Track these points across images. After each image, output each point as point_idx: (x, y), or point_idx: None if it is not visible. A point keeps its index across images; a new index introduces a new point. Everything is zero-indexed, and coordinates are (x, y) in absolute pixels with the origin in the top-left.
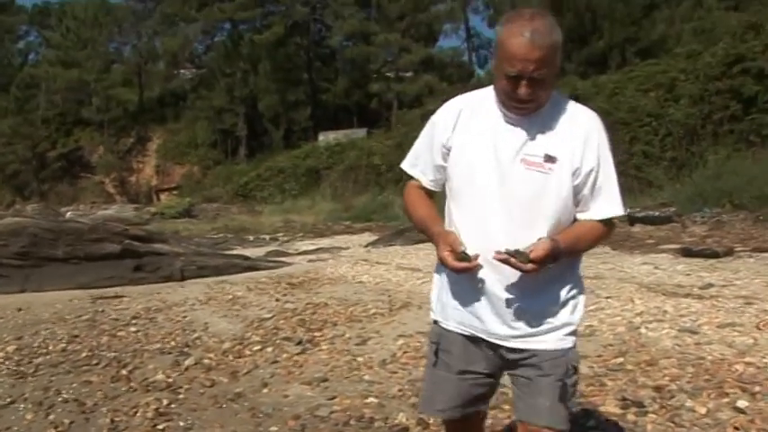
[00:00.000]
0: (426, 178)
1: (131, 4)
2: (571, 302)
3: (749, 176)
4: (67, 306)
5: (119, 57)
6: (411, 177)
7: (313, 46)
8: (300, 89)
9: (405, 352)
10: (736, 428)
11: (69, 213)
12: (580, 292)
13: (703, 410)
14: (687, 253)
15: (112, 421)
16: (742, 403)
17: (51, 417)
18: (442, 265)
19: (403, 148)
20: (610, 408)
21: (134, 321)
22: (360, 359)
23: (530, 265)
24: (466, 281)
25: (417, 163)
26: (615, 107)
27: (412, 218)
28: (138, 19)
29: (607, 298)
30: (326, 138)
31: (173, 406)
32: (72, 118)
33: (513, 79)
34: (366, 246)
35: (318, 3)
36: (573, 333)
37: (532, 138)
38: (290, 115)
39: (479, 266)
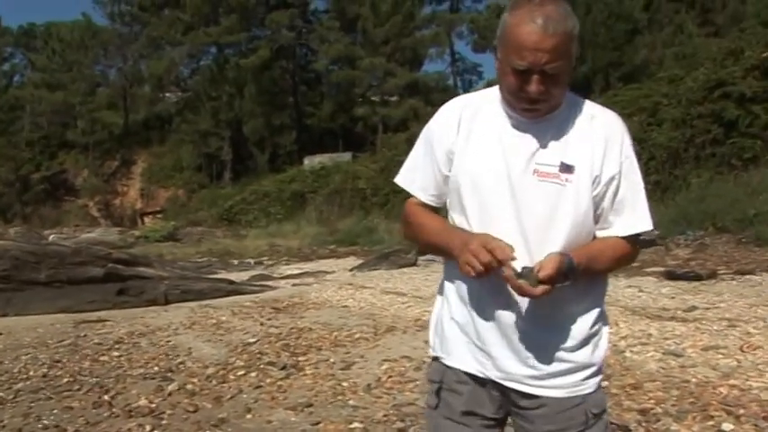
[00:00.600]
0: (427, 193)
1: (117, 26)
2: (593, 338)
3: (731, 199)
4: (49, 330)
5: (104, 79)
6: (406, 196)
7: (298, 70)
8: (286, 113)
9: (389, 376)
10: None
11: (52, 237)
12: (604, 324)
13: None
14: (671, 276)
15: None
16: (727, 426)
17: None
18: (475, 276)
19: (388, 171)
20: None
21: (117, 346)
22: (344, 384)
23: (540, 288)
24: (473, 308)
25: (415, 177)
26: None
27: (423, 236)
28: (123, 42)
29: None
30: (312, 161)
31: None
32: (56, 140)
33: (521, 74)
34: (351, 270)
35: (304, 27)
36: (596, 374)
37: (545, 144)
38: (276, 139)
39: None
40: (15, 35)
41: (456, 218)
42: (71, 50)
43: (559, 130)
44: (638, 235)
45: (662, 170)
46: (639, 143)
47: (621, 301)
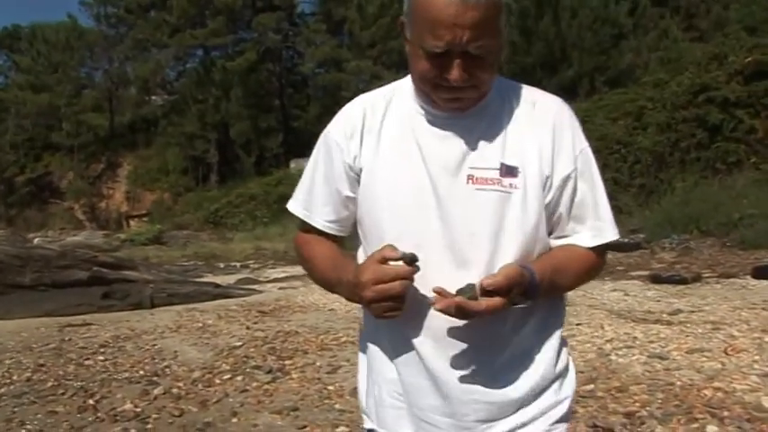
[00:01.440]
0: (324, 220)
1: (103, 28)
2: (556, 370)
3: (716, 203)
4: (34, 334)
5: (90, 82)
6: (303, 226)
7: (285, 73)
8: (272, 116)
9: None
10: None
11: (37, 239)
12: (566, 351)
13: None
14: (656, 279)
15: None
16: (711, 428)
17: None
18: (376, 314)
19: None
20: None
21: (102, 350)
22: (330, 388)
23: (486, 302)
24: (406, 358)
25: (311, 200)
26: (585, 135)
27: (316, 274)
28: (109, 44)
29: (577, 325)
30: (298, 164)
31: None
32: (41, 143)
33: (438, 58)
34: None
35: (290, 30)
36: (565, 417)
37: (478, 143)
38: (262, 142)
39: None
40: (0, 36)
41: (369, 250)
42: (56, 52)
43: (493, 124)
44: (607, 245)
45: (647, 174)
46: (625, 147)
47: (607, 305)
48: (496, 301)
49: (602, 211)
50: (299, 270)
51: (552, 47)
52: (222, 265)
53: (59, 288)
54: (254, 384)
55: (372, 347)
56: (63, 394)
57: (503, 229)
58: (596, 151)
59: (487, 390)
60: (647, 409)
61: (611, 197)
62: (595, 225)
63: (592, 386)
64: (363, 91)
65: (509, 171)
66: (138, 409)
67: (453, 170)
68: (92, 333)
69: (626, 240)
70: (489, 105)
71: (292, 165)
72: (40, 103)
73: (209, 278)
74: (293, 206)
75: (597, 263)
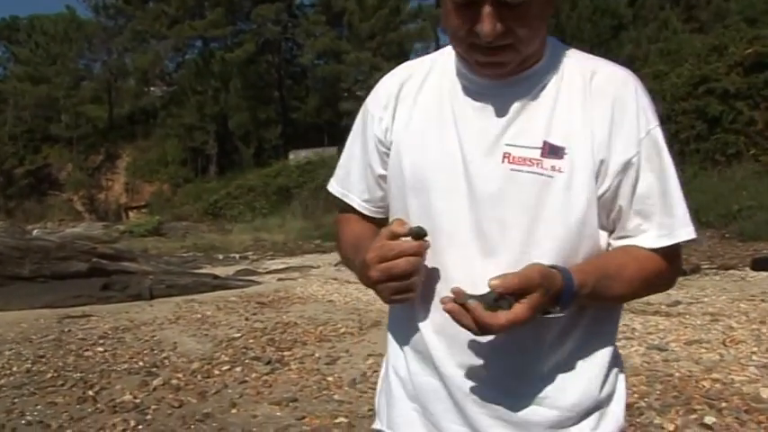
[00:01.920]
0: (360, 198)
1: (102, 20)
2: (601, 394)
3: (715, 194)
4: (33, 325)
5: (88, 73)
6: (342, 205)
7: (284, 64)
8: (271, 107)
9: (375, 371)
10: None
11: (36, 231)
12: (620, 372)
13: (672, 427)
14: None
15: None
16: (709, 419)
17: None
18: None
19: None
20: None
21: (101, 341)
22: (329, 379)
23: (503, 316)
24: (418, 354)
25: (348, 177)
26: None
27: (341, 254)
28: (108, 35)
29: None
30: (297, 156)
31: (140, 427)
32: (40, 134)
33: (467, 8)
34: (336, 264)
35: (290, 21)
36: None
37: (520, 117)
38: (261, 133)
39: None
40: None
41: None
42: (55, 43)
43: (541, 95)
44: (679, 246)
45: None
46: None
47: None
48: (519, 313)
49: (672, 206)
50: (298, 261)
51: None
52: (221, 257)
53: (59, 279)
54: (253, 375)
55: (390, 338)
56: (63, 385)
57: (539, 220)
58: None
59: (505, 406)
60: (646, 400)
61: None
62: (663, 222)
63: None
64: (362, 83)
65: (553, 151)
66: (138, 400)
67: (489, 147)
68: (91, 324)
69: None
70: (538, 73)
71: (291, 156)
72: (39, 95)
73: (208, 269)
74: (331, 185)
75: (664, 269)
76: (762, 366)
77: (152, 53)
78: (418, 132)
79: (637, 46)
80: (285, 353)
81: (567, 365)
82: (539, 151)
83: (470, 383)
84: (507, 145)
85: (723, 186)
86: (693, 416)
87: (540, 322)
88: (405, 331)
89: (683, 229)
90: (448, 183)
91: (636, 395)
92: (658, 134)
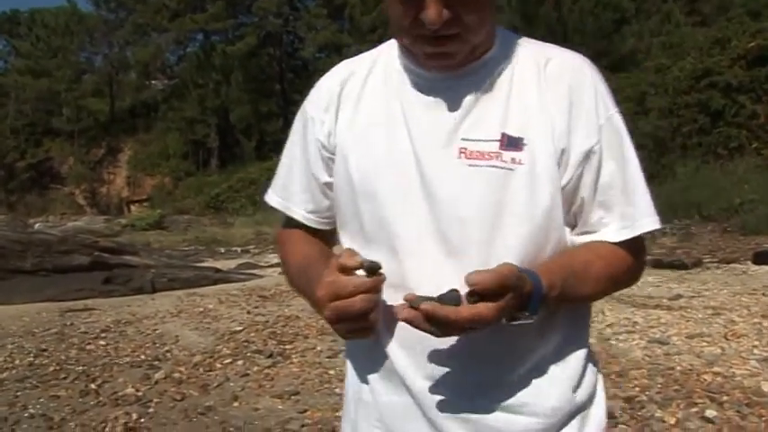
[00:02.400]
0: (303, 210)
1: (103, 13)
2: (576, 398)
3: (717, 188)
4: (35, 319)
5: (90, 66)
6: (285, 219)
7: (285, 57)
8: (273, 100)
9: None
10: None
11: (38, 225)
12: (596, 373)
13: (673, 420)
14: (657, 264)
15: None
16: (710, 413)
17: None
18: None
19: None
20: None
21: (103, 334)
22: (331, 372)
23: (468, 309)
24: (382, 372)
25: (289, 187)
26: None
27: (288, 278)
28: (109, 28)
29: None
30: None
31: (142, 420)
32: (42, 128)
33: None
34: None
35: (291, 14)
36: None
37: (472, 108)
38: (263, 126)
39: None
40: None
41: (348, 245)
42: (56, 37)
43: (495, 86)
44: (642, 238)
45: (648, 159)
46: None
47: None
48: (482, 308)
49: (634, 195)
50: None
51: (554, 31)
52: (223, 250)
53: (61, 273)
54: (255, 369)
55: (349, 361)
56: (65, 378)
57: (502, 216)
58: None
59: (482, 419)
60: (647, 393)
61: None
62: (625, 213)
63: None
64: None
65: (512, 143)
66: (140, 393)
67: (443, 142)
68: (93, 318)
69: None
70: (489, 63)
71: None
72: (40, 88)
73: (209, 263)
74: (270, 196)
75: (630, 263)
76: (763, 360)
77: (153, 46)
78: (365, 133)
79: (639, 39)
80: (287, 346)
81: (543, 370)
82: (497, 144)
83: (442, 397)
84: (463, 140)
85: (725, 180)
86: (694, 409)
87: (511, 328)
88: (365, 350)
89: (646, 219)
90: (401, 185)
91: (637, 388)
92: (618, 120)
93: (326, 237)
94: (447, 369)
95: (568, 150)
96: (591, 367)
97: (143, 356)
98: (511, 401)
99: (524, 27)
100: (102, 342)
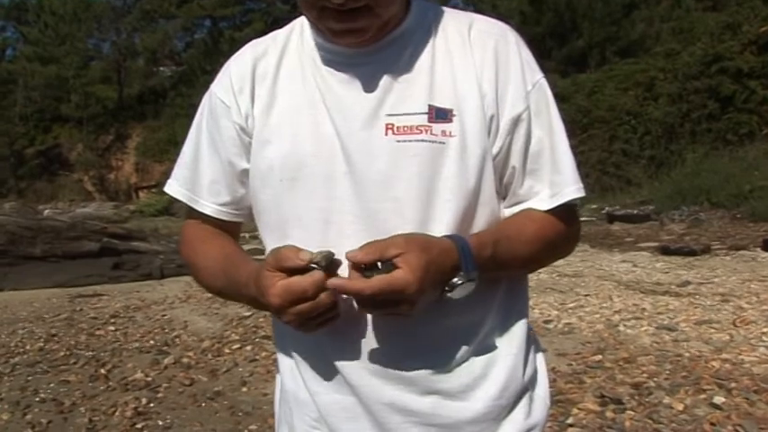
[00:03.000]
0: (214, 203)
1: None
2: (524, 377)
3: (726, 174)
4: (45, 305)
5: (98, 53)
6: (190, 213)
7: None
8: None
9: None
10: (713, 424)
11: (47, 211)
12: (536, 351)
13: (681, 407)
14: (665, 251)
15: (90, 421)
16: (718, 399)
17: (28, 417)
18: (287, 320)
19: None
20: (588, 405)
21: (113, 320)
22: None
23: (375, 280)
24: (315, 367)
25: (196, 178)
26: (595, 105)
27: (205, 280)
28: (117, 15)
29: (586, 296)
30: None
31: (151, 405)
32: (50, 115)
33: None
34: None
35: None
36: None
37: (395, 82)
38: None
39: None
40: (6, 8)
41: (269, 239)
42: (64, 24)
43: (415, 57)
44: (574, 206)
45: (657, 145)
46: (635, 117)
47: (616, 276)
48: (397, 275)
49: (560, 162)
50: None
51: (562, 17)
52: None
53: (70, 259)
54: (264, 354)
55: (281, 356)
56: (75, 363)
57: (435, 192)
58: (606, 122)
59: (429, 410)
60: (655, 379)
61: (620, 168)
62: (554, 180)
63: (600, 357)
64: None
65: (440, 115)
66: (149, 379)
67: (366, 120)
68: (102, 303)
69: (635, 212)
70: (406, 33)
71: None
72: (48, 75)
73: None
74: (173, 188)
75: (562, 230)
76: None
77: (161, 33)
78: (284, 117)
79: (649, 25)
80: None
81: (487, 349)
82: (425, 117)
83: (384, 390)
84: (388, 115)
85: (735, 166)
86: (702, 396)
87: (453, 305)
88: (298, 345)
89: (571, 187)
90: (326, 169)
91: (645, 375)
92: (545, 86)
93: (235, 230)
94: (386, 358)
95: (497, 118)
96: (532, 344)
97: (152, 342)
98: (457, 386)
99: (533, 12)
100: (112, 327)
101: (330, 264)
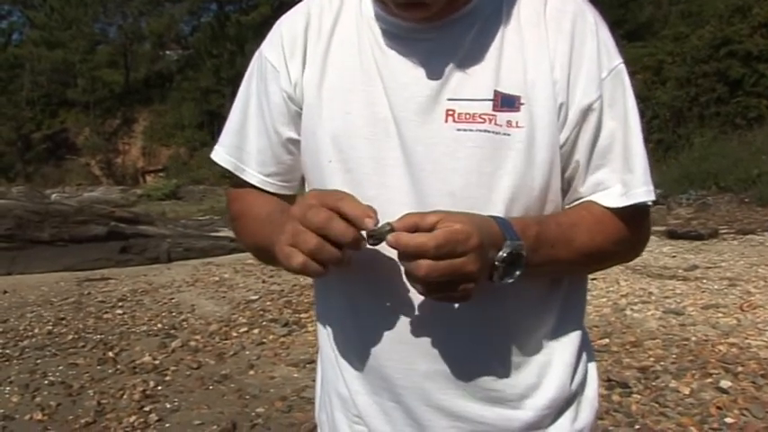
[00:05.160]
0: (260, 173)
1: None
2: (572, 385)
3: (734, 159)
4: (54, 288)
5: (104, 37)
6: (235, 180)
7: None
8: None
9: None
10: (719, 408)
11: (55, 195)
12: (589, 360)
13: (687, 391)
14: (673, 235)
15: (99, 403)
16: (725, 383)
17: (38, 399)
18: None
19: None
20: None
21: (120, 303)
22: None
23: (421, 236)
24: (359, 363)
25: (242, 146)
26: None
27: (249, 238)
28: None
29: (593, 279)
30: None
31: (159, 388)
32: (57, 99)
33: None
34: None
35: None
36: None
37: (460, 64)
38: None
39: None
40: None
41: None
42: (70, 7)
43: (484, 36)
44: (643, 210)
45: (665, 129)
46: (643, 101)
47: None
48: (440, 234)
49: (633, 159)
50: None
51: None
52: None
53: (78, 243)
54: (271, 337)
55: (322, 341)
56: (83, 347)
57: (495, 189)
58: None
59: (472, 414)
60: (662, 363)
61: None
62: (625, 180)
63: (607, 341)
64: None
65: (507, 102)
66: (157, 362)
67: (425, 105)
68: (110, 287)
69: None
70: (478, 10)
71: None
72: (55, 60)
73: (225, 232)
74: (219, 155)
75: (624, 233)
76: None
77: (167, 17)
78: (337, 92)
79: (657, 7)
80: (302, 315)
81: (543, 357)
82: (490, 104)
83: (434, 392)
84: (450, 100)
85: (743, 150)
86: (709, 380)
87: (505, 305)
88: (341, 338)
89: (641, 189)
90: (380, 154)
91: (652, 359)
92: (623, 73)
93: (288, 201)
94: (438, 360)
95: (567, 106)
96: (586, 350)
97: (159, 325)
98: (510, 394)
99: None
100: (120, 311)
101: (379, 240)
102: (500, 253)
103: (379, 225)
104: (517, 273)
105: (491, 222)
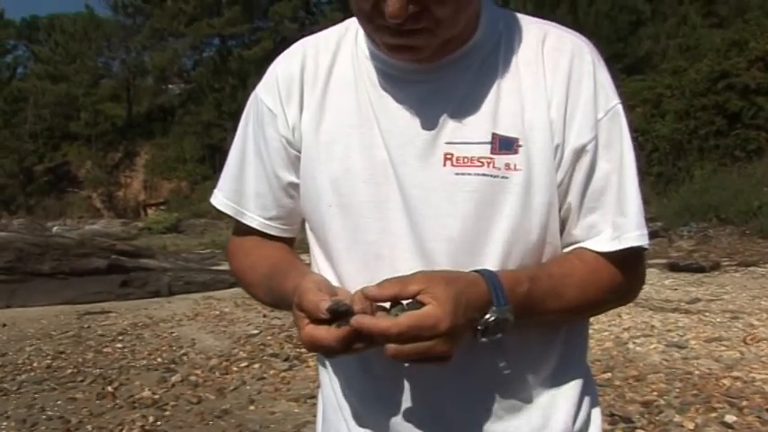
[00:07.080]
0: (260, 216)
1: (120, 18)
2: (574, 429)
3: (735, 191)
4: (53, 322)
5: (107, 71)
6: (237, 226)
7: None
8: None
9: None
10: None
11: (56, 228)
12: (585, 397)
13: (691, 425)
14: (674, 267)
15: None
16: (730, 418)
17: None
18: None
19: None
20: None
21: (120, 337)
22: None
23: (403, 318)
24: (357, 411)
25: (242, 190)
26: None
27: (253, 289)
28: (126, 34)
29: None
30: None
31: (159, 423)
32: (60, 132)
33: None
34: None
35: (307, 19)
36: None
37: (458, 106)
38: None
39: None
40: (18, 27)
41: (318, 257)
42: (74, 42)
43: (483, 77)
44: (636, 255)
45: (665, 162)
46: (642, 134)
47: None
48: (427, 311)
49: (626, 203)
50: None
51: None
52: None
53: (78, 276)
54: (272, 372)
55: (323, 379)
56: (82, 381)
57: (491, 233)
58: None
59: None
60: (665, 398)
61: None
62: (617, 223)
63: (609, 375)
64: None
65: (505, 145)
66: (157, 396)
67: (423, 149)
68: (110, 321)
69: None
70: (473, 50)
71: None
72: (59, 93)
73: (226, 266)
74: (217, 198)
75: (617, 278)
76: None
77: (170, 51)
78: (334, 136)
79: (655, 42)
80: (303, 350)
81: (544, 398)
82: (488, 147)
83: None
84: (447, 144)
85: (743, 183)
86: (713, 414)
87: (509, 351)
88: (342, 382)
89: (634, 233)
90: (380, 197)
91: (655, 393)
92: (620, 113)
93: (288, 243)
94: (436, 405)
95: (562, 147)
96: (589, 391)
97: (159, 359)
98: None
99: None
100: (119, 345)
101: (344, 314)
102: (485, 317)
103: (341, 303)
104: (499, 336)
105: (479, 283)
